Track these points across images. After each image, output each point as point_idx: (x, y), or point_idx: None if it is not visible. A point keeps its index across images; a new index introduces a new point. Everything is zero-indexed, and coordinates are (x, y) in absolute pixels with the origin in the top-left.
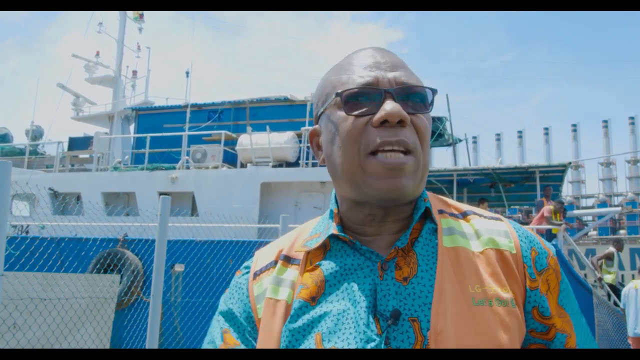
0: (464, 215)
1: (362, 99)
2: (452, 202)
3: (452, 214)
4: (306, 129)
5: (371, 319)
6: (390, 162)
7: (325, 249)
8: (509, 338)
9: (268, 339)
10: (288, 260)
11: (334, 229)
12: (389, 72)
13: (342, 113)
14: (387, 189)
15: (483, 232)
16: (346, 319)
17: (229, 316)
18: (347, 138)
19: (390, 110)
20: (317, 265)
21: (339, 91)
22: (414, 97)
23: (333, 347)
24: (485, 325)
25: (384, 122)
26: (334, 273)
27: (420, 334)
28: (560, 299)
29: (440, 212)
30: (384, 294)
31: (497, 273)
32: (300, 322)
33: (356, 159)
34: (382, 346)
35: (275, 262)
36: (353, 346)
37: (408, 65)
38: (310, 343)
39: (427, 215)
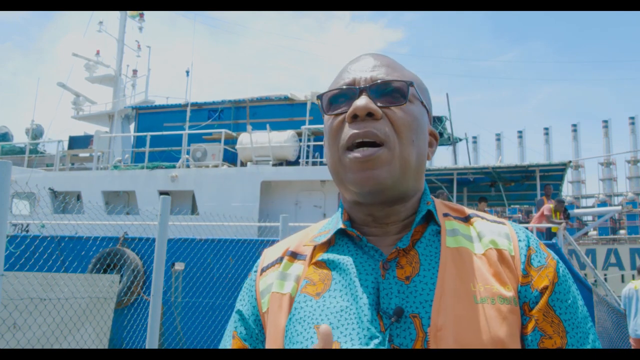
0: (468, 218)
1: (341, 99)
2: (456, 206)
3: (456, 217)
4: (306, 128)
5: (375, 316)
6: (359, 155)
7: (330, 245)
8: (510, 335)
9: (274, 332)
10: (294, 255)
11: (342, 224)
12: (369, 72)
13: (326, 115)
14: (361, 182)
15: (485, 234)
16: (349, 315)
17: (240, 316)
18: (329, 137)
19: (358, 104)
20: (321, 260)
21: (320, 94)
22: (390, 91)
23: (336, 343)
24: (487, 322)
25: (355, 117)
26: (339, 270)
27: (421, 330)
28: (551, 299)
29: (445, 215)
30: (386, 292)
31: (499, 272)
32: (302, 314)
33: (336, 156)
34: (386, 343)
35: (282, 259)
36: (356, 342)
37: (401, 66)
38: (311, 335)
39: (431, 218)
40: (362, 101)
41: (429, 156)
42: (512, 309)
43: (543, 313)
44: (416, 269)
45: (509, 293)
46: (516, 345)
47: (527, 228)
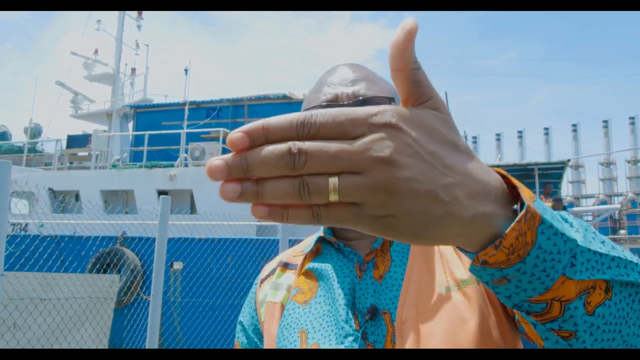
0: None
1: None
2: None
3: None
4: None
5: (350, 316)
6: None
7: (317, 253)
8: (480, 314)
9: (268, 339)
10: (286, 266)
11: (321, 232)
12: (349, 87)
13: None
14: None
15: None
16: (329, 318)
17: (242, 327)
18: None
19: None
20: (309, 269)
21: (302, 111)
22: None
23: (315, 344)
24: (453, 309)
25: None
26: (322, 277)
27: (391, 325)
28: None
29: None
30: (362, 292)
31: (463, 257)
32: (289, 320)
33: None
34: (360, 340)
35: (275, 269)
36: (333, 341)
37: (379, 77)
38: (295, 339)
39: None
40: None
41: None
42: (476, 289)
43: None
44: (387, 267)
45: (468, 274)
46: (493, 321)
47: None
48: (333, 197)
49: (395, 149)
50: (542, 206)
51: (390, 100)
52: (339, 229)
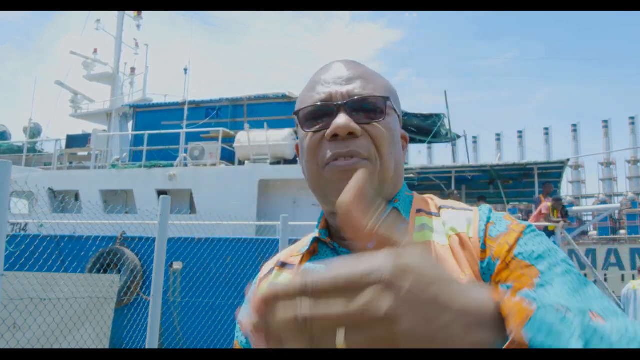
0: (439, 210)
1: (318, 115)
2: (436, 201)
3: (428, 212)
4: None
5: None
6: (342, 164)
7: (314, 254)
8: None
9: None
10: (283, 265)
11: (317, 233)
12: (344, 86)
13: (303, 131)
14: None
15: (447, 223)
16: None
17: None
18: (307, 154)
19: (339, 123)
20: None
21: (297, 110)
22: (367, 107)
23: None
24: None
25: (335, 136)
26: None
27: None
28: (516, 253)
29: (418, 211)
30: None
31: (460, 259)
32: None
33: (316, 172)
34: None
35: (272, 269)
36: None
37: (374, 73)
38: None
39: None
40: (342, 120)
41: (404, 158)
42: None
43: (509, 268)
44: None
45: (464, 277)
46: None
47: None
48: (340, 346)
49: (390, 306)
50: (538, 325)
51: (385, 99)
52: (334, 229)
